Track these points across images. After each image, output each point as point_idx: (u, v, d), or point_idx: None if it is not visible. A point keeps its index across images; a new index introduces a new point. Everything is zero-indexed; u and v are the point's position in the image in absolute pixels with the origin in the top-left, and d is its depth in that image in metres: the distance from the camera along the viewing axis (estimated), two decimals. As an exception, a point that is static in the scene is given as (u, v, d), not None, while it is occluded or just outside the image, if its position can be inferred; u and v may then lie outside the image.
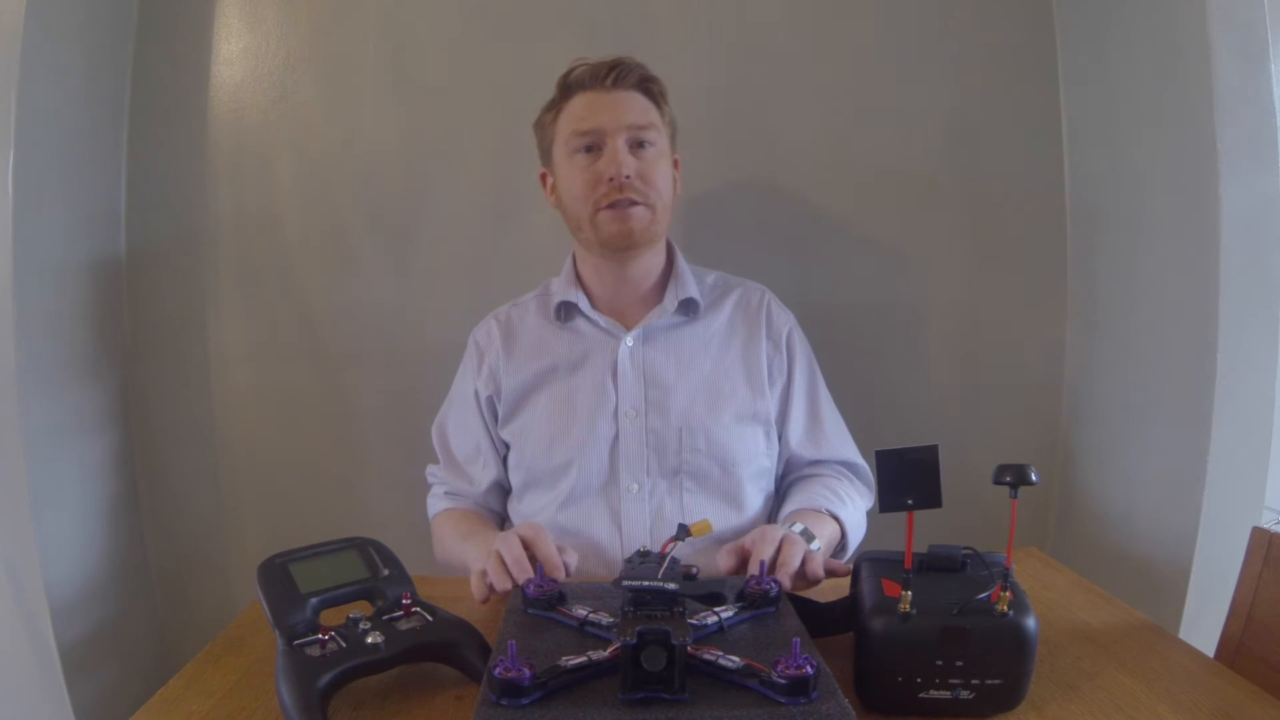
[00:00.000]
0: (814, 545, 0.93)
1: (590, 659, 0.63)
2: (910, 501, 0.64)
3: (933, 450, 0.64)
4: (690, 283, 1.13)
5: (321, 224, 1.42)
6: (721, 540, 1.01)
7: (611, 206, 1.04)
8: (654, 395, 1.08)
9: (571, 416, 1.08)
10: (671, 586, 0.67)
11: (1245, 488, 1.10)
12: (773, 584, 0.76)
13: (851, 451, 1.16)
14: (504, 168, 1.37)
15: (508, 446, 1.14)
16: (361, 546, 0.82)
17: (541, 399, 1.10)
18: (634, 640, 0.59)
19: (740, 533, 1.04)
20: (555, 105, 1.10)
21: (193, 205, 1.41)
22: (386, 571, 0.79)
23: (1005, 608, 0.64)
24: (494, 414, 1.14)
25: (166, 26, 1.39)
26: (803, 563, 0.83)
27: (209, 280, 1.42)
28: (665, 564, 0.69)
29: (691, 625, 0.68)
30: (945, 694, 0.65)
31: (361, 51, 1.40)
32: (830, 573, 0.86)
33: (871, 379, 1.41)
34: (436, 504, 1.18)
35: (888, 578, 0.70)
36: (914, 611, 0.65)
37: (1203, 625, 1.06)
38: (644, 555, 0.72)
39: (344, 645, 0.69)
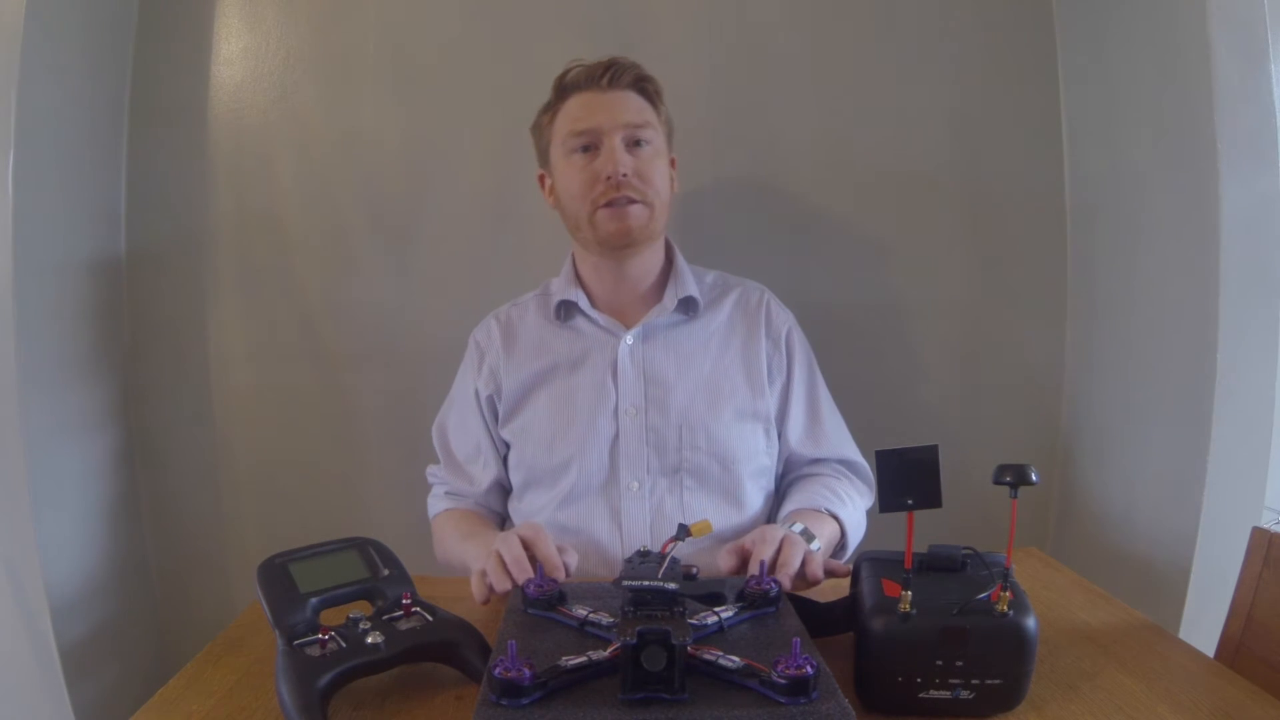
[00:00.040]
0: (814, 545, 0.93)
1: (590, 659, 0.63)
2: (910, 501, 0.64)
3: (933, 450, 0.64)
4: (690, 281, 1.13)
5: (321, 224, 1.42)
6: (722, 539, 1.01)
7: (609, 205, 1.04)
8: (654, 393, 1.08)
9: (572, 415, 1.08)
10: (671, 586, 0.67)
11: (1245, 488, 1.10)
12: (773, 584, 0.76)
13: (851, 450, 1.16)
14: (504, 168, 1.37)
15: (508, 446, 1.14)
16: (361, 546, 0.82)
17: (542, 398, 1.10)
18: (634, 640, 0.59)
19: (740, 531, 1.04)
20: (552, 107, 1.11)
21: (193, 205, 1.41)
22: (386, 571, 0.79)
23: (1005, 608, 0.64)
24: (494, 413, 1.14)
25: (166, 26, 1.39)
26: (803, 563, 0.83)
27: (209, 280, 1.42)
28: (665, 564, 0.69)
29: (691, 625, 0.68)
30: (945, 694, 0.65)
31: (361, 51, 1.40)
32: (830, 573, 0.86)
33: (871, 379, 1.41)
34: (437, 504, 1.18)
35: (888, 578, 0.70)
36: (914, 611, 0.65)
37: (1203, 625, 1.06)
38: (644, 555, 0.72)
39: (344, 645, 0.69)
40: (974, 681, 0.64)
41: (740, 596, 0.75)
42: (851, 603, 0.74)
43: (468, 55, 1.39)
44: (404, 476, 1.36)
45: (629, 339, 1.10)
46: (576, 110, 1.07)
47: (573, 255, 1.17)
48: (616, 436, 1.07)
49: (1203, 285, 1.10)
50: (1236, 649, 0.83)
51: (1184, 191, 1.14)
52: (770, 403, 1.11)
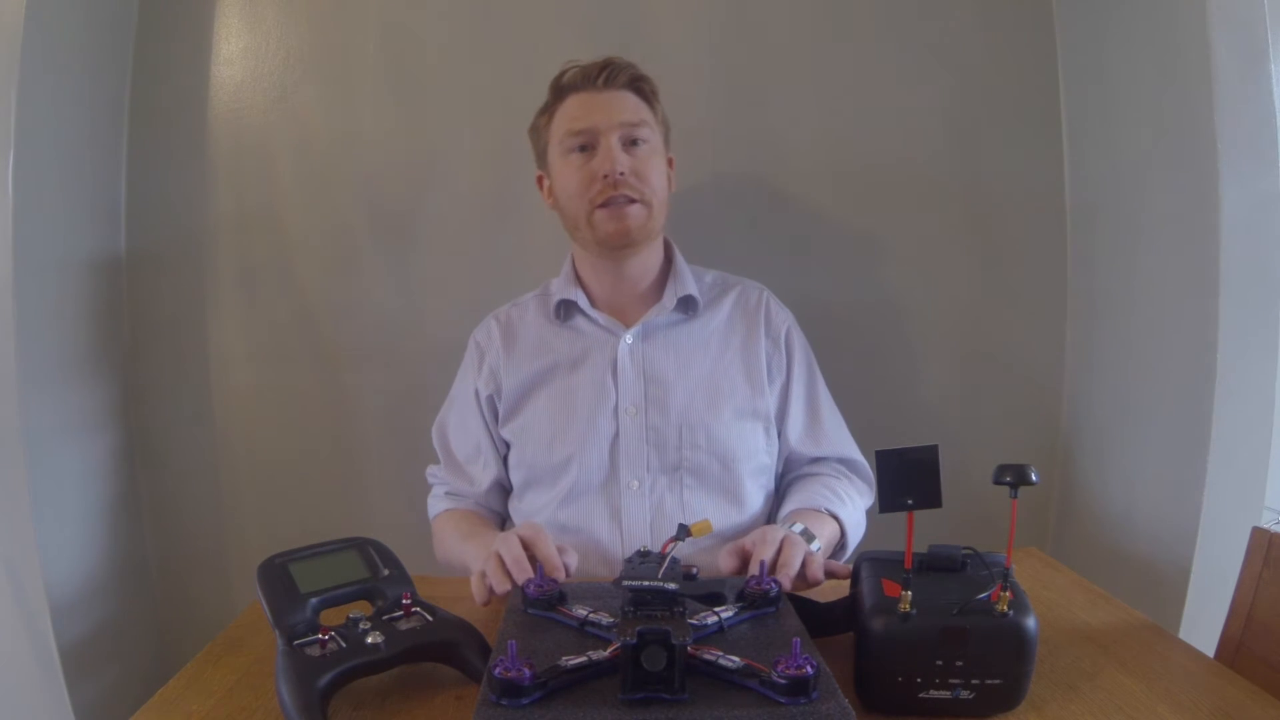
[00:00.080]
0: (814, 546, 0.93)
1: (590, 659, 0.63)
2: (910, 501, 0.64)
3: (933, 450, 0.64)
4: (689, 280, 1.13)
5: (321, 224, 1.42)
6: (722, 537, 1.01)
7: (606, 205, 1.04)
8: (654, 392, 1.08)
9: (572, 414, 1.08)
10: (671, 586, 0.67)
11: (1245, 488, 1.10)
12: (773, 584, 0.76)
13: (851, 448, 1.16)
14: (504, 168, 1.37)
15: (508, 446, 1.14)
16: (361, 546, 0.82)
17: (542, 397, 1.10)
18: (634, 640, 0.59)
19: (740, 530, 1.04)
20: (549, 108, 1.11)
21: (193, 205, 1.41)
22: (386, 571, 0.79)
23: (1005, 608, 0.64)
24: (494, 413, 1.14)
25: (166, 26, 1.39)
26: (803, 564, 0.83)
27: (209, 280, 1.42)
28: (665, 564, 0.69)
29: (691, 625, 0.68)
30: (945, 694, 0.65)
31: (361, 51, 1.40)
32: (830, 574, 0.86)
33: (871, 379, 1.41)
34: (437, 504, 1.18)
35: (888, 578, 0.70)
36: (914, 611, 0.65)
37: (1203, 625, 1.06)
38: (644, 555, 0.72)
39: (344, 645, 0.69)
40: (974, 681, 0.64)
41: (740, 596, 0.75)
42: (851, 603, 0.74)
43: (468, 55, 1.39)
44: (404, 476, 1.36)
45: (629, 338, 1.10)
46: (573, 110, 1.07)
47: (572, 255, 1.17)
48: (616, 435, 1.07)
49: (1203, 285, 1.10)
50: (1236, 649, 0.83)
51: (1184, 191, 1.14)
52: (770, 401, 1.11)
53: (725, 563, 0.86)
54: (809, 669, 0.59)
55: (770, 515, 1.11)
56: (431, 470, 1.21)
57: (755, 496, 1.09)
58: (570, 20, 1.38)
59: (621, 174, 1.04)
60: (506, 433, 1.12)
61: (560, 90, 1.09)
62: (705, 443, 1.07)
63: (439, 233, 1.41)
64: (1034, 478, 0.63)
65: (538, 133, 1.14)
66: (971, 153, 1.40)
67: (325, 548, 0.81)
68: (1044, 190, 1.41)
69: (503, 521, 1.18)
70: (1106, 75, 1.30)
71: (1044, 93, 1.40)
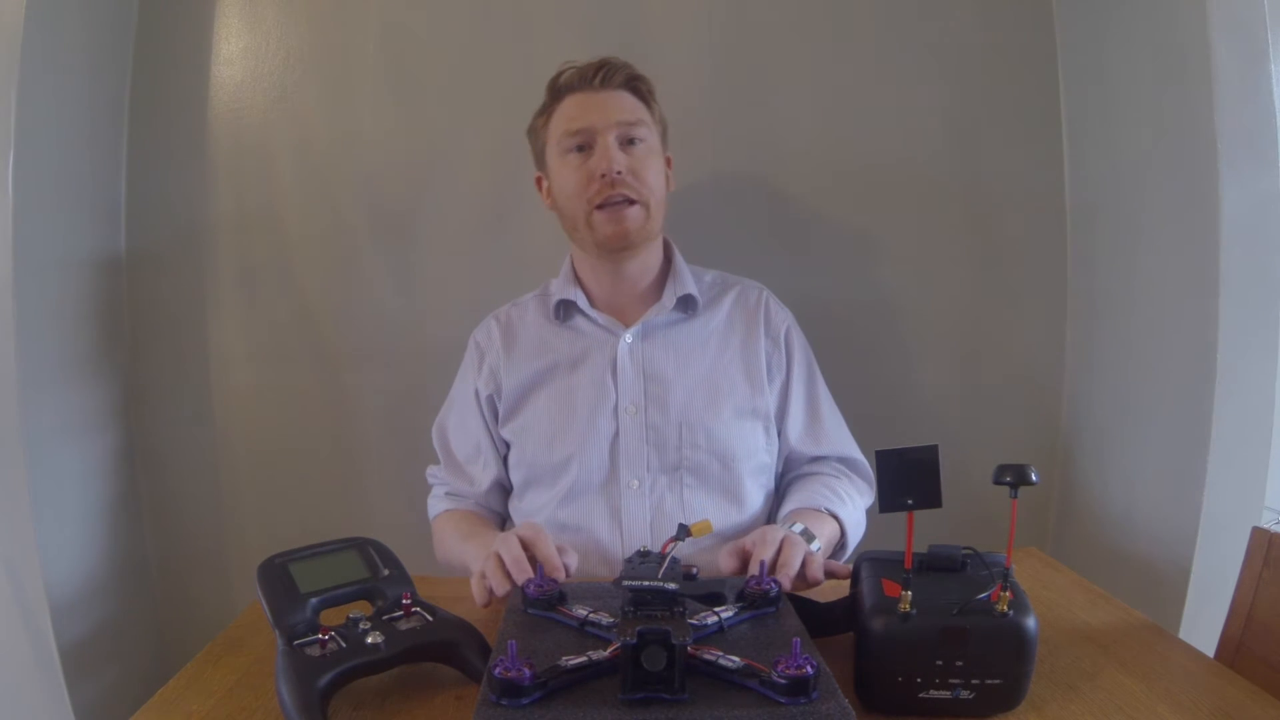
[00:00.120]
0: (814, 546, 0.93)
1: (590, 659, 0.63)
2: (910, 501, 0.64)
3: (933, 450, 0.64)
4: (689, 280, 1.13)
5: (321, 224, 1.42)
6: (722, 536, 1.02)
7: (604, 207, 1.05)
8: (653, 391, 1.08)
9: (572, 413, 1.08)
10: (671, 586, 0.67)
11: (1245, 488, 1.10)
12: (773, 584, 0.76)
13: (851, 447, 1.16)
14: (504, 168, 1.37)
15: (508, 446, 1.14)
16: (361, 546, 0.82)
17: (542, 396, 1.10)
18: (634, 640, 0.59)
19: (741, 529, 1.04)
20: (546, 109, 1.11)
21: (193, 205, 1.41)
22: (386, 571, 0.79)
23: (1005, 608, 0.64)
24: (494, 413, 1.14)
25: (166, 26, 1.39)
26: (803, 564, 0.83)
27: (209, 280, 1.42)
28: (665, 564, 0.69)
29: (691, 625, 0.68)
30: (945, 694, 0.65)
31: (361, 51, 1.40)
32: (830, 574, 0.86)
33: (871, 379, 1.41)
34: (437, 505, 1.18)
35: (888, 578, 0.70)
36: (914, 611, 0.65)
37: (1203, 625, 1.06)
38: (644, 555, 0.72)
39: (344, 645, 0.69)
40: (974, 681, 0.64)
41: (740, 596, 0.75)
42: (851, 603, 0.74)
43: (468, 55, 1.39)
44: (404, 476, 1.36)
45: (628, 337, 1.10)
46: (570, 111, 1.07)
47: (571, 255, 1.17)
48: (616, 435, 1.07)
49: (1203, 285, 1.10)
50: (1236, 649, 0.83)
51: (1184, 191, 1.14)
52: (769, 400, 1.11)
53: (725, 563, 0.86)
54: (809, 669, 0.59)
55: (770, 515, 1.11)
56: (431, 471, 1.21)
57: (755, 496, 1.09)
58: (570, 20, 1.38)
59: (619, 173, 1.04)
60: (506, 433, 1.13)
61: (557, 91, 1.10)
62: (705, 442, 1.07)
63: (439, 233, 1.42)
64: (1034, 478, 0.63)
65: (535, 134, 1.14)
66: (971, 153, 1.40)
67: (325, 548, 0.81)
68: (1044, 190, 1.41)
69: (503, 521, 1.18)
70: (1106, 75, 1.30)
71: (1044, 93, 1.40)
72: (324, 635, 0.69)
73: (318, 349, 1.43)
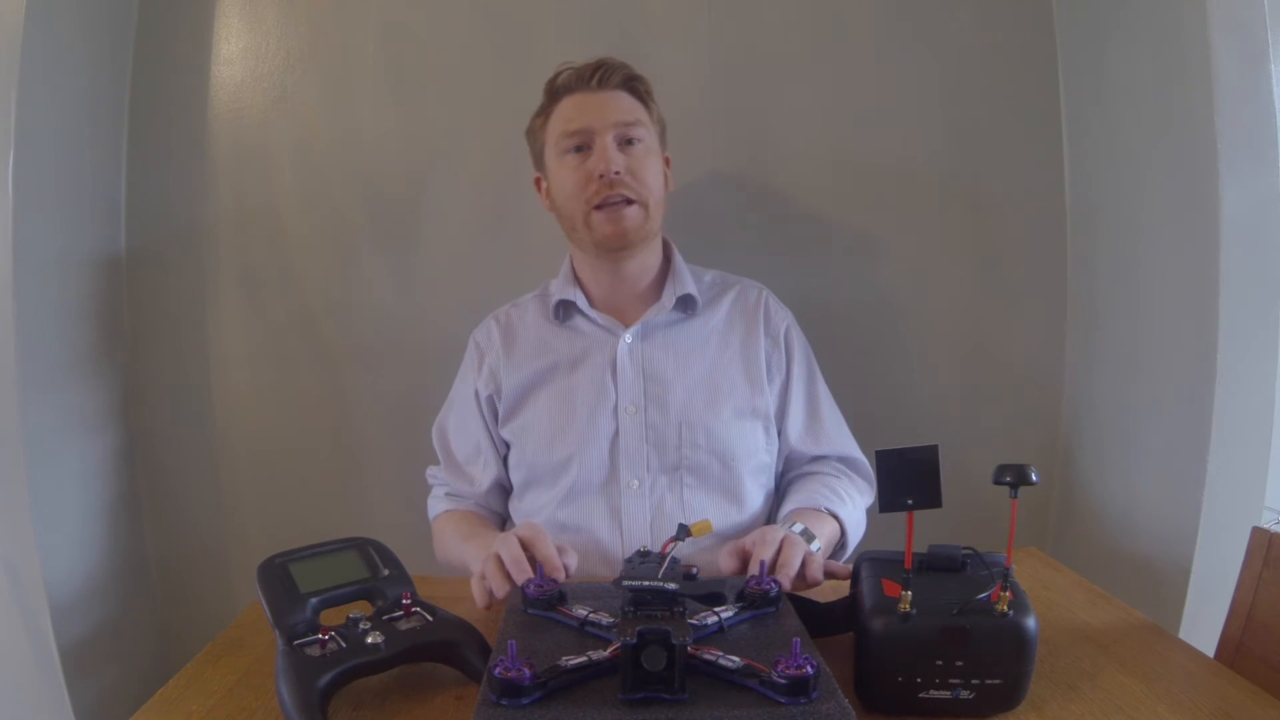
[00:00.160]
0: (814, 546, 0.93)
1: (590, 659, 0.63)
2: (910, 501, 0.64)
3: (933, 450, 0.64)
4: (688, 280, 1.13)
5: (321, 224, 1.42)
6: (722, 536, 1.02)
7: (602, 207, 1.05)
8: (653, 391, 1.08)
9: (571, 413, 1.08)
10: (671, 586, 0.67)
11: (1245, 488, 1.10)
12: (773, 584, 0.76)
13: (851, 447, 1.16)
14: (504, 168, 1.37)
15: (508, 446, 1.14)
16: (361, 546, 0.82)
17: (542, 397, 1.10)
18: (634, 640, 0.59)
19: (741, 529, 1.04)
20: (544, 110, 1.11)
21: (193, 205, 1.41)
22: (386, 571, 0.79)
23: (1005, 608, 0.64)
24: (494, 413, 1.14)
25: (166, 26, 1.39)
26: (802, 564, 0.83)
27: (209, 280, 1.42)
28: (665, 564, 0.69)
29: (691, 625, 0.68)
30: (945, 694, 0.65)
31: (361, 51, 1.40)
32: (830, 574, 0.86)
33: (871, 379, 1.41)
34: (437, 505, 1.18)
35: (888, 578, 0.70)
36: (914, 611, 0.65)
37: (1203, 625, 1.06)
38: (644, 555, 0.72)
39: (344, 645, 0.69)
40: (974, 681, 0.64)
41: (740, 596, 0.75)
42: (851, 603, 0.74)
43: (468, 55, 1.39)
44: (404, 476, 1.36)
45: (628, 337, 1.10)
46: (568, 112, 1.07)
47: (570, 256, 1.17)
48: (616, 434, 1.07)
49: (1203, 285, 1.10)
50: (1236, 649, 0.83)
51: (1184, 191, 1.14)
52: (769, 400, 1.11)
53: (725, 563, 0.86)
54: (809, 669, 0.59)
55: (770, 514, 1.12)
56: (431, 471, 1.21)
57: (755, 496, 1.09)
58: (570, 20, 1.38)
59: (617, 173, 1.04)
60: (506, 433, 1.13)
61: (555, 92, 1.10)
62: (705, 441, 1.07)
63: (439, 233, 1.42)
64: (1034, 478, 0.63)
65: (534, 135, 1.14)
66: (971, 153, 1.40)
67: (325, 548, 0.81)
68: (1044, 190, 1.41)
69: (503, 522, 1.18)
70: (1106, 75, 1.30)
71: (1044, 93, 1.40)
72: (324, 635, 0.69)
73: (318, 349, 1.43)
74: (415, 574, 0.81)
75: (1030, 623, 0.65)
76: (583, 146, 1.06)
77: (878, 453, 0.65)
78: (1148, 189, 1.23)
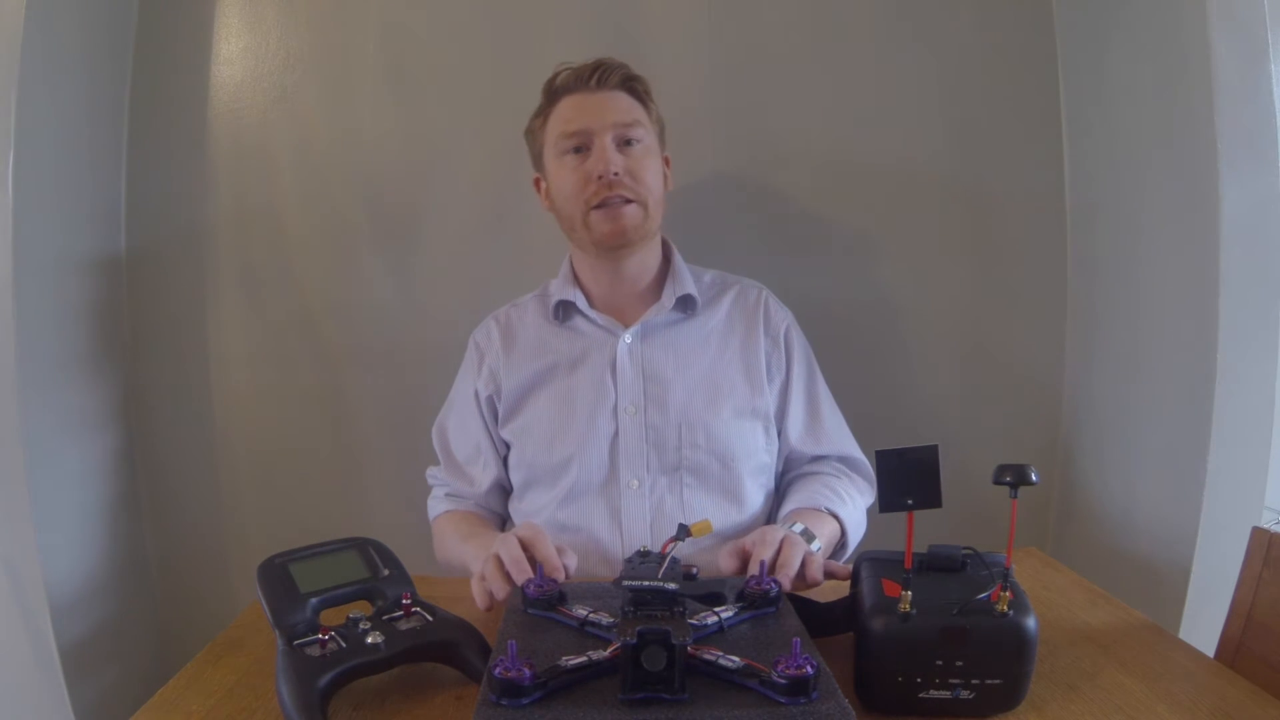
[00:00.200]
0: (814, 546, 0.93)
1: (590, 659, 0.63)
2: (910, 501, 0.64)
3: (933, 450, 0.64)
4: (688, 280, 1.13)
5: (321, 223, 1.42)
6: (722, 536, 1.02)
7: (601, 206, 1.05)
8: (653, 391, 1.08)
9: (571, 413, 1.08)
10: (671, 586, 0.67)
11: (1245, 488, 1.10)
12: (773, 584, 0.76)
13: (851, 446, 1.16)
14: (504, 168, 1.37)
15: (508, 446, 1.14)
16: (361, 546, 0.82)
17: (542, 397, 1.10)
18: (634, 640, 0.59)
19: (741, 529, 1.04)
20: (543, 111, 1.11)
21: (193, 205, 1.41)
22: (386, 571, 0.79)
23: (1005, 608, 0.64)
24: (494, 414, 1.14)
25: (166, 26, 1.39)
26: (802, 564, 0.83)
27: (209, 280, 1.42)
28: (665, 564, 0.69)
29: (691, 625, 0.68)
30: (945, 694, 0.65)
31: (361, 51, 1.40)
32: (830, 574, 0.86)
33: (871, 379, 1.41)
34: (437, 505, 1.18)
35: (888, 578, 0.70)
36: (914, 611, 0.65)
37: (1203, 625, 1.06)
38: (644, 555, 0.72)
39: (344, 645, 0.69)
40: (974, 681, 0.64)
41: (740, 596, 0.75)
42: (851, 603, 0.74)
43: (467, 55, 1.39)
44: (404, 476, 1.36)
45: (627, 338, 1.10)
46: (567, 112, 1.07)
47: (570, 256, 1.17)
48: (616, 435, 1.07)
49: (1203, 285, 1.10)
50: (1236, 649, 0.83)
51: (1184, 191, 1.14)
52: (769, 400, 1.11)
53: (725, 563, 0.86)
54: (809, 669, 0.59)
55: (770, 514, 1.11)
56: (431, 472, 1.21)
57: (755, 496, 1.09)
58: (570, 20, 1.38)
59: (616, 174, 1.04)
60: (506, 433, 1.13)
61: (553, 93, 1.10)
62: (704, 442, 1.07)
63: (439, 233, 1.41)
64: (1034, 478, 0.63)
65: (533, 135, 1.14)
66: (971, 153, 1.40)
67: (325, 548, 0.81)
68: (1044, 190, 1.41)
69: (503, 522, 1.18)
70: (1106, 75, 1.30)
71: (1044, 93, 1.40)
72: (324, 635, 0.69)
73: (318, 349, 1.43)
74: (415, 574, 0.81)
75: (1030, 623, 0.65)
76: (581, 147, 1.06)
77: (878, 453, 0.65)
78: (1148, 189, 1.23)
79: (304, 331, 1.43)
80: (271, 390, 1.44)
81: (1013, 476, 0.64)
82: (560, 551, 0.84)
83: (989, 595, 0.65)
